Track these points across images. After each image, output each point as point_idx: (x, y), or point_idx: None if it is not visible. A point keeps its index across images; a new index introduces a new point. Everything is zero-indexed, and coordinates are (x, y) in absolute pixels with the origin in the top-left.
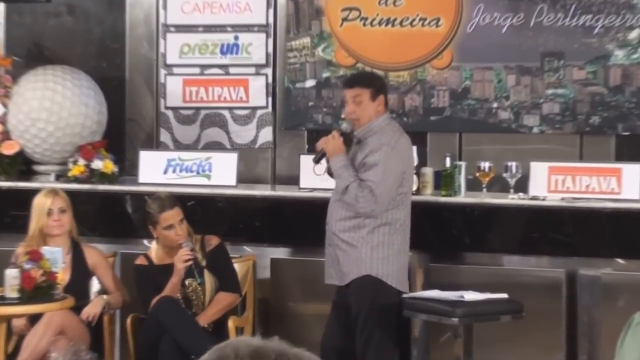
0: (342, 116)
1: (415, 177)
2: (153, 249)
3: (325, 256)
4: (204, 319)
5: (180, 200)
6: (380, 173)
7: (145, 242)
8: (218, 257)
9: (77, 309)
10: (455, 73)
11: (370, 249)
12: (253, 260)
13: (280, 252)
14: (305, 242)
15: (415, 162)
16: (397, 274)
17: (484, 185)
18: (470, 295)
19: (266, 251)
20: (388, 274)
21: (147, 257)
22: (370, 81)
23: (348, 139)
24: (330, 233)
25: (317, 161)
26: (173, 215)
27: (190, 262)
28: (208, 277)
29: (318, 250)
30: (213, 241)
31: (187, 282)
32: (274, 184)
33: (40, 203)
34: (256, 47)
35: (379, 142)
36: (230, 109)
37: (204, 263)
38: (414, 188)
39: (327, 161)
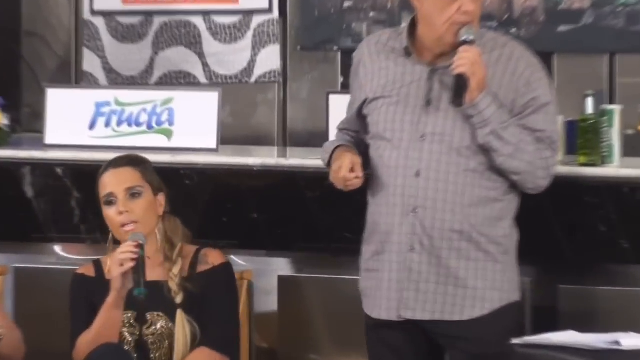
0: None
1: None
2: (110, 257)
3: (396, 271)
4: None
5: None
6: (555, 119)
7: (58, 248)
8: (211, 287)
9: None
10: None
11: (512, 255)
12: (248, 279)
13: (296, 267)
14: (340, 247)
15: None
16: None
17: None
18: (632, 341)
19: (271, 265)
20: (520, 296)
21: (96, 265)
22: None
23: None
24: (434, 228)
25: (460, 102)
26: (117, 178)
27: (128, 266)
28: (181, 319)
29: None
30: (212, 259)
31: (148, 316)
32: (285, 147)
33: None
34: None
35: (531, 62)
36: (206, 14)
37: (178, 299)
38: None
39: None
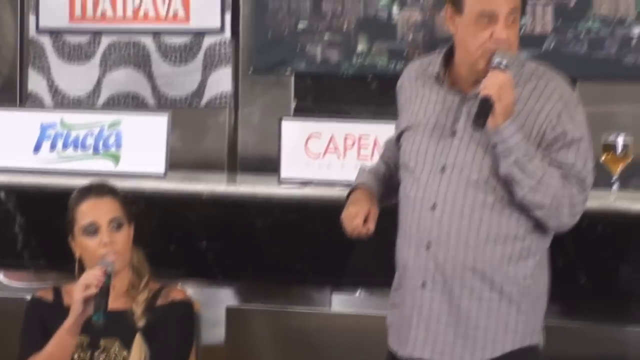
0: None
1: None
2: (70, 287)
3: (409, 308)
4: None
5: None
6: (587, 156)
7: (0, 275)
8: (169, 319)
9: None
10: None
11: (534, 298)
12: (196, 310)
13: (244, 297)
14: (290, 278)
15: None
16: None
17: (614, 178)
18: None
19: (219, 295)
20: (541, 340)
21: (55, 291)
22: None
23: None
24: (448, 265)
25: (482, 123)
26: (100, 207)
27: (91, 292)
28: (139, 347)
29: (313, 293)
30: (175, 294)
31: (102, 342)
32: (235, 173)
33: None
34: None
35: (566, 95)
36: (155, 34)
37: (141, 323)
38: None
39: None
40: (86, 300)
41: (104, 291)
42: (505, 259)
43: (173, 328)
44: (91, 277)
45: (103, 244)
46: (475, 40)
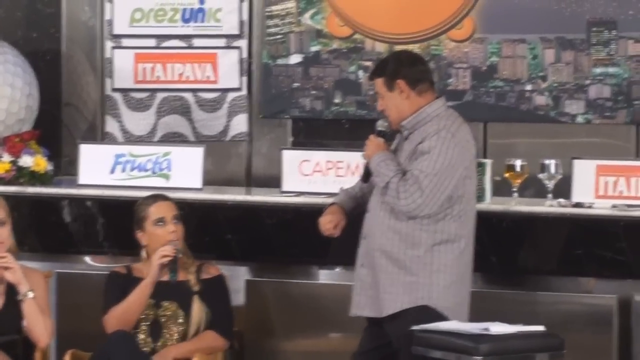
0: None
1: None
2: (137, 265)
3: (355, 280)
4: (175, 352)
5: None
6: (432, 162)
7: (88, 259)
8: (214, 289)
9: (4, 346)
10: (478, 47)
11: (429, 273)
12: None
13: (258, 273)
14: (290, 259)
15: None
16: (458, 307)
17: (514, 189)
18: (498, 328)
19: (239, 271)
20: (448, 307)
21: (127, 267)
22: (381, 68)
23: (391, 139)
24: (370, 249)
25: (365, 179)
26: (166, 207)
27: (167, 259)
28: (198, 306)
29: (306, 270)
30: (212, 270)
31: (164, 303)
32: (250, 187)
33: None
34: (227, 12)
35: (435, 126)
36: (194, 91)
37: (196, 288)
38: None
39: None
40: (162, 266)
41: (175, 260)
42: (396, 244)
43: (222, 298)
44: (167, 250)
45: (170, 232)
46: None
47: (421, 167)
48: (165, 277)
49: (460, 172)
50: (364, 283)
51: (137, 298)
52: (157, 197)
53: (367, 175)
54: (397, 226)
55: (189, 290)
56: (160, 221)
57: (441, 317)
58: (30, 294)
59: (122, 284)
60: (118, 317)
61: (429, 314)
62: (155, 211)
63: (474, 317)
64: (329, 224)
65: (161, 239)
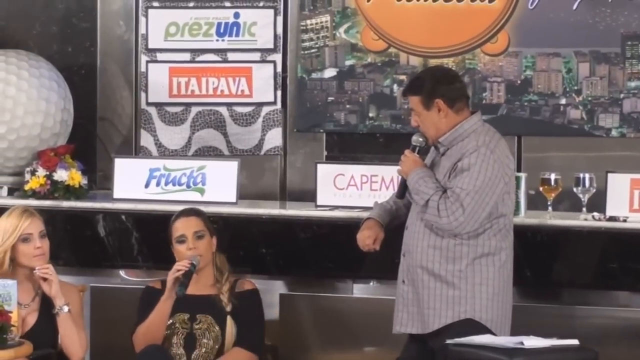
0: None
1: None
2: None
3: (397, 297)
4: None
5: (167, 221)
6: (473, 180)
7: (122, 273)
8: (246, 303)
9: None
10: (513, 61)
11: (471, 286)
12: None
13: (292, 287)
14: (324, 273)
15: None
16: (502, 320)
17: (549, 203)
18: (532, 342)
19: (274, 285)
20: (492, 320)
21: (163, 282)
22: (417, 86)
23: (425, 153)
24: (410, 266)
25: (401, 195)
26: (187, 224)
27: (180, 273)
28: (231, 325)
29: (340, 284)
30: (246, 285)
31: (199, 317)
32: (285, 201)
33: (13, 226)
34: (262, 27)
35: (474, 142)
36: (229, 105)
37: (228, 308)
38: None
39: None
40: (175, 280)
41: (188, 274)
42: (438, 259)
43: (252, 312)
44: (180, 264)
45: (188, 249)
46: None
47: (462, 185)
48: (200, 292)
49: (501, 188)
50: (405, 300)
51: (156, 316)
52: (181, 214)
53: (403, 191)
54: (437, 242)
55: (223, 307)
56: (181, 238)
57: (485, 330)
58: (66, 308)
59: (153, 301)
60: (143, 335)
61: (473, 327)
62: (176, 228)
63: (512, 331)
64: (368, 240)
65: (182, 255)
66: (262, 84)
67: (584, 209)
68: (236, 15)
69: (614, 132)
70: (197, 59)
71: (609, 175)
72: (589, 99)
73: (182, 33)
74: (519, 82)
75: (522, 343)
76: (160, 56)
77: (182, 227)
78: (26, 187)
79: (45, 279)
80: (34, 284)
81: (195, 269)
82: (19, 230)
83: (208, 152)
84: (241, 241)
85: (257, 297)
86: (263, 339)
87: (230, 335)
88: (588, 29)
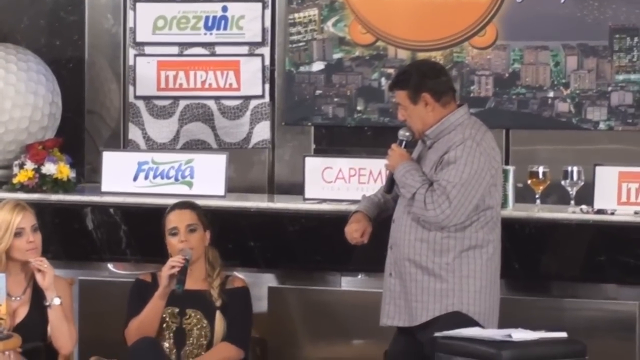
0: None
1: None
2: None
3: (384, 290)
4: None
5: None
6: (459, 172)
7: (110, 266)
8: (235, 300)
9: (28, 353)
10: (501, 54)
11: (459, 279)
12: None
13: (280, 279)
14: (312, 266)
15: None
16: (489, 312)
17: (537, 196)
18: (520, 334)
19: (262, 278)
20: (480, 312)
21: (153, 275)
22: (403, 80)
23: (412, 147)
24: (397, 259)
25: (389, 190)
26: (180, 217)
27: (174, 270)
28: (220, 320)
29: (328, 276)
30: (237, 282)
31: (188, 311)
32: (272, 194)
33: (6, 222)
34: (250, 20)
35: (460, 135)
36: (217, 98)
37: (218, 303)
38: None
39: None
40: (171, 276)
41: (184, 270)
42: (425, 252)
43: (241, 308)
44: (175, 261)
45: (180, 241)
46: None
47: (448, 178)
48: (190, 286)
49: (487, 181)
50: (393, 292)
51: (150, 311)
52: (176, 206)
53: (390, 185)
54: (424, 235)
55: (212, 302)
56: (174, 230)
57: (473, 323)
58: (57, 301)
59: (144, 294)
60: (136, 329)
61: (461, 319)
62: (169, 220)
63: (500, 324)
64: (355, 233)
65: (173, 248)
66: (250, 77)
67: (572, 202)
68: (224, 9)
69: (601, 125)
70: (185, 52)
71: (597, 168)
72: (577, 92)
73: (170, 26)
74: (507, 75)
75: (510, 336)
76: (148, 50)
77: (175, 220)
78: (14, 181)
79: (40, 270)
80: (25, 276)
81: (188, 264)
82: (12, 226)
83: (196, 146)
84: (229, 234)
85: (247, 295)
86: (250, 336)
87: (220, 330)
88: (576, 22)
